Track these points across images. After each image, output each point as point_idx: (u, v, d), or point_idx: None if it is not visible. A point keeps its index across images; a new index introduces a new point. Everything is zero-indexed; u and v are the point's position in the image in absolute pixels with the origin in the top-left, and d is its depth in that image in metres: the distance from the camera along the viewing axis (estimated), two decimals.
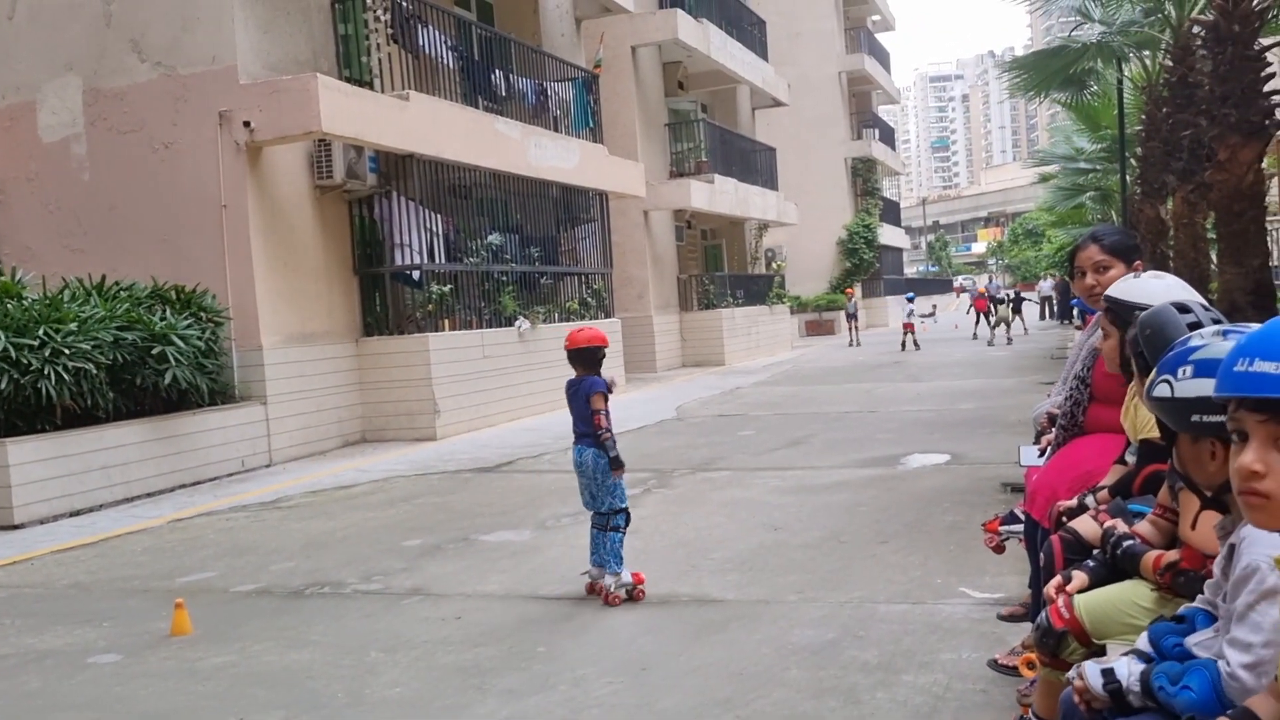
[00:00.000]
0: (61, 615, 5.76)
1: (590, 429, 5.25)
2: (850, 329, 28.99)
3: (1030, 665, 3.29)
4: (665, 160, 22.94)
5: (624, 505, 5.32)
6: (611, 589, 5.21)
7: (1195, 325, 2.47)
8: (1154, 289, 3.02)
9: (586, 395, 5.26)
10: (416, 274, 13.12)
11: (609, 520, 5.29)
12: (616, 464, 5.24)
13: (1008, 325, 26.46)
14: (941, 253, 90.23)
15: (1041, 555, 3.21)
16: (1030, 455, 4.26)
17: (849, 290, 33.66)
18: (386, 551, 6.76)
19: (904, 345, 24.62)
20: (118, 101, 11.64)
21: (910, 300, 26.16)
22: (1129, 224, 17.76)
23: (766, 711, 3.74)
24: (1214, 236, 12.04)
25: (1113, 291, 3.18)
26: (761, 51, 27.98)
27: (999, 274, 77.07)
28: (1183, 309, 2.61)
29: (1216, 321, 2.53)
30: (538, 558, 6.34)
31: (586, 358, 5.35)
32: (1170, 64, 13.93)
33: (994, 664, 3.92)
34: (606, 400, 5.30)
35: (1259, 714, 1.73)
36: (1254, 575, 1.88)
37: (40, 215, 12.04)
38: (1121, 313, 3.07)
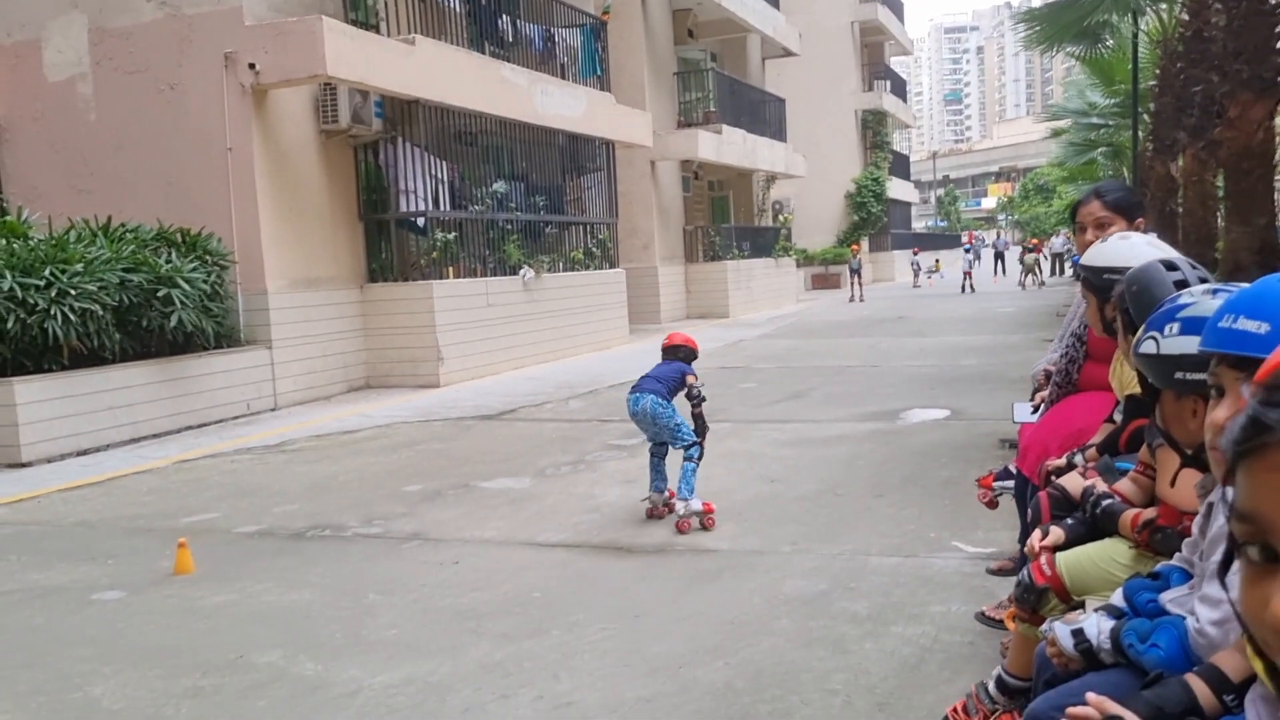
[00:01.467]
0: (67, 552, 5.85)
1: (662, 386, 5.77)
2: (853, 284, 29.02)
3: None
4: (673, 110, 22.76)
5: (695, 439, 5.72)
6: (681, 514, 5.60)
7: (1182, 284, 2.49)
8: (1122, 250, 3.02)
9: (682, 370, 5.88)
10: (421, 221, 13.10)
11: (684, 453, 5.71)
12: (702, 432, 5.78)
13: (1033, 273, 30.90)
14: (951, 208, 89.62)
15: (1029, 511, 3.24)
16: (1023, 412, 4.27)
17: (854, 246, 33.56)
18: (387, 496, 6.84)
19: (963, 289, 29.32)
20: (124, 41, 11.56)
21: (967, 252, 33.35)
22: (1140, 181, 17.63)
23: (755, 660, 3.80)
24: (1224, 195, 11.97)
25: (1084, 258, 3.20)
26: None
27: (1008, 230, 76.56)
28: (1170, 266, 2.61)
29: (1204, 280, 2.54)
30: (536, 505, 6.41)
31: (680, 355, 6.04)
32: (1185, 18, 13.76)
33: (981, 616, 3.98)
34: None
35: (1226, 670, 1.75)
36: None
37: (46, 155, 12.01)
38: (1094, 278, 3.08)
